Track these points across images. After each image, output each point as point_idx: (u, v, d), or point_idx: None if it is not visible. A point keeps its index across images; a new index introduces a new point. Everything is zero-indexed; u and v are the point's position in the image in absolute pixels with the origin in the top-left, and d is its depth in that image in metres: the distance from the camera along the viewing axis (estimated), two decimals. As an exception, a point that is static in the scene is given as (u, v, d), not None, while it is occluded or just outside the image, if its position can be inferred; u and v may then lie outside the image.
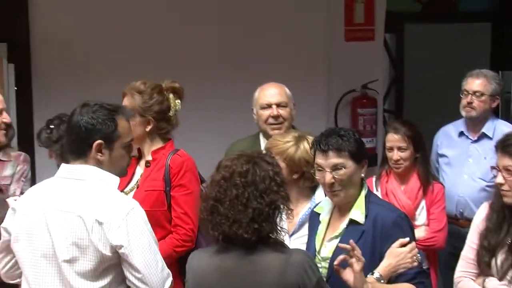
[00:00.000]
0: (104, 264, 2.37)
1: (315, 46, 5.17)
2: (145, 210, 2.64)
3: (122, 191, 3.15)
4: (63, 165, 2.50)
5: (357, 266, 2.41)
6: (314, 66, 5.17)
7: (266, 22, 5.08)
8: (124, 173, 2.59)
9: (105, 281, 2.40)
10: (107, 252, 2.35)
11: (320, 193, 3.06)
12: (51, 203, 2.43)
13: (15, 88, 4.53)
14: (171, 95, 3.29)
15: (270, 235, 2.31)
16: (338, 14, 5.26)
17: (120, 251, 2.34)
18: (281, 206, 2.33)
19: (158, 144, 3.28)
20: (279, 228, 2.32)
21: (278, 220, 2.33)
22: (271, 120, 3.59)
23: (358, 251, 2.43)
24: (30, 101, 4.68)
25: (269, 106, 3.60)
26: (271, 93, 3.63)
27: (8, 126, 3.64)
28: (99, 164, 2.45)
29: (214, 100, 4.94)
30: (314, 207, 2.91)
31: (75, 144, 2.46)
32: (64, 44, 4.81)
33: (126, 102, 3.24)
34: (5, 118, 3.55)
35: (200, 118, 4.73)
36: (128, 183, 3.24)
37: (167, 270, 2.43)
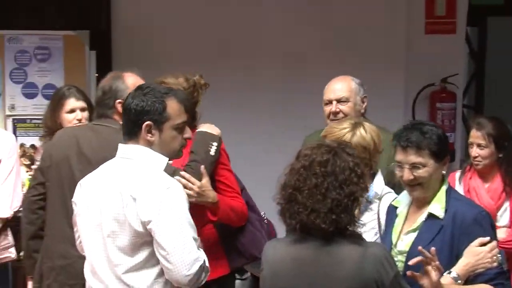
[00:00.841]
0: (139, 240, 2.45)
1: (394, 38, 5.12)
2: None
3: None
4: (120, 145, 2.61)
5: (435, 276, 2.37)
6: (393, 59, 5.11)
7: (347, 14, 5.05)
8: (177, 154, 2.66)
9: (140, 257, 2.47)
10: (139, 228, 2.42)
11: (378, 180, 3.03)
12: (104, 179, 2.57)
13: (96, 74, 4.62)
14: (200, 91, 3.34)
15: (348, 227, 2.29)
16: (419, 6, 5.17)
17: (148, 226, 2.41)
18: (360, 198, 2.30)
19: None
20: (356, 220, 2.30)
21: (356, 212, 2.30)
22: (332, 116, 3.58)
23: (437, 262, 2.38)
24: None
25: (330, 102, 3.60)
26: (332, 89, 3.62)
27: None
28: (149, 144, 2.53)
29: (296, 95, 4.96)
30: (374, 195, 2.91)
31: (127, 125, 2.56)
32: (144, 32, 4.92)
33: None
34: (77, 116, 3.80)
35: (284, 113, 4.82)
36: None
37: (196, 255, 2.43)
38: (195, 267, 2.41)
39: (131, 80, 3.08)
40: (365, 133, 2.93)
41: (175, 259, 2.39)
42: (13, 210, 4.00)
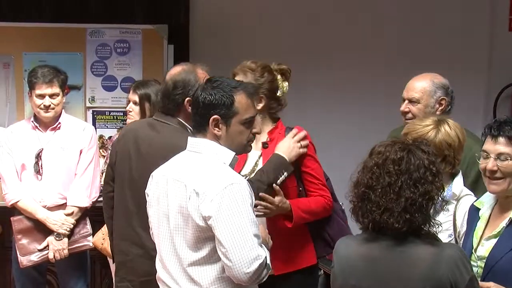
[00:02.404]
0: (202, 234, 2.45)
1: (477, 35, 5.02)
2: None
3: (239, 173, 3.23)
4: (189, 138, 2.63)
5: None
6: (475, 56, 5.01)
7: (430, 11, 4.99)
8: (245, 149, 2.66)
9: (204, 252, 2.48)
10: (201, 222, 2.43)
11: (458, 181, 2.97)
12: (172, 172, 2.58)
13: (174, 68, 4.69)
14: (279, 76, 3.34)
15: (423, 226, 2.26)
16: (503, 1, 5.04)
17: (209, 222, 2.40)
18: (436, 198, 2.27)
19: (270, 124, 3.35)
20: (432, 220, 2.27)
21: (432, 211, 2.27)
22: (403, 115, 3.55)
23: None
24: None
25: (403, 100, 3.55)
26: (407, 87, 3.57)
27: None
28: (216, 138, 2.55)
29: (379, 94, 4.95)
30: (451, 196, 2.85)
31: (196, 118, 2.59)
32: (222, 26, 4.96)
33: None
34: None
35: (371, 110, 4.86)
36: (244, 165, 3.30)
37: (256, 252, 2.40)
38: (255, 265, 2.39)
39: (202, 78, 3.02)
40: (449, 130, 2.88)
41: (235, 256, 2.37)
42: (91, 200, 4.14)
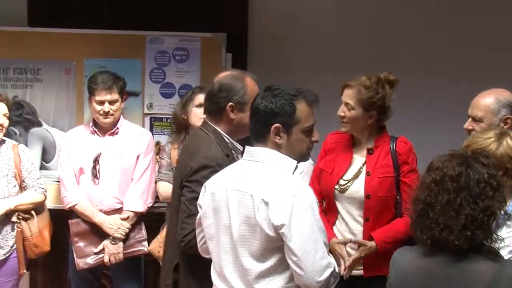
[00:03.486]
0: (270, 245, 2.41)
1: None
2: (380, 196, 3.09)
3: (341, 177, 3.41)
4: (246, 147, 2.61)
5: None
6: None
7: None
8: (304, 158, 2.64)
9: (271, 262, 2.44)
10: (271, 232, 2.39)
11: None
12: (231, 182, 2.54)
13: (231, 77, 4.71)
14: (387, 87, 3.40)
15: (484, 242, 2.21)
16: None
17: (280, 231, 2.36)
18: (497, 212, 2.22)
19: (376, 132, 3.46)
20: (494, 235, 2.22)
21: (493, 226, 2.22)
22: (468, 132, 3.46)
23: None
24: None
25: (468, 117, 3.47)
26: (472, 104, 3.47)
27: None
28: (277, 147, 2.51)
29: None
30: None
31: (256, 127, 2.56)
32: (280, 35, 4.95)
33: (349, 93, 3.41)
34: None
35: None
36: (347, 170, 3.44)
37: (327, 260, 2.40)
38: (327, 273, 2.38)
39: (250, 86, 3.01)
40: None
41: (307, 265, 2.35)
42: (147, 205, 4.19)
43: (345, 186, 3.45)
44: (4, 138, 4.11)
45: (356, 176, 3.43)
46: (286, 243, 2.37)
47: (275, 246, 2.42)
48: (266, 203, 2.39)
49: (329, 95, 4.61)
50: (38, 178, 4.11)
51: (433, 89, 4.93)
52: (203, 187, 2.69)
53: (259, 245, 2.43)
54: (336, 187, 3.45)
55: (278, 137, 2.50)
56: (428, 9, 4.97)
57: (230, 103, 2.95)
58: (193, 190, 2.82)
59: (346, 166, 3.46)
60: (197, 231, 2.79)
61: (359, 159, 3.48)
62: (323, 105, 4.75)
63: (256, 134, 2.56)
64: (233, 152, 3.00)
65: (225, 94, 2.98)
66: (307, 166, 3.85)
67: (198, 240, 2.79)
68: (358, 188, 3.42)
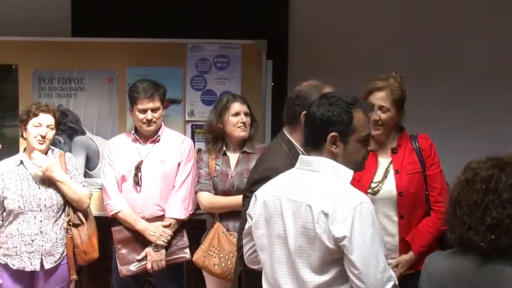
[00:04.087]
0: (329, 257, 2.36)
1: None
2: (412, 192, 3.14)
3: (372, 180, 3.43)
4: (301, 156, 2.57)
5: None
6: None
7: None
8: (360, 167, 2.58)
9: (330, 275, 2.38)
10: (331, 244, 2.33)
11: None
12: (286, 192, 2.49)
13: (272, 83, 4.71)
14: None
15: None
16: None
17: (341, 243, 2.31)
18: None
19: (398, 131, 3.54)
20: None
21: None
22: None
23: None
24: (285, 97, 4.75)
25: None
26: None
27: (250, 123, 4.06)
28: (333, 156, 2.47)
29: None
30: None
31: (311, 135, 2.51)
32: (321, 42, 4.93)
33: (381, 96, 3.44)
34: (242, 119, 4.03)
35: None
36: (375, 172, 3.48)
37: (389, 273, 2.34)
38: (389, 286, 2.33)
39: None
40: None
41: (368, 278, 2.30)
42: (188, 212, 4.20)
43: (377, 188, 3.47)
44: (52, 148, 4.19)
45: (385, 176, 3.47)
46: (347, 255, 2.32)
47: (334, 258, 2.37)
48: (326, 215, 2.34)
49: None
50: (81, 182, 4.15)
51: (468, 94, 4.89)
52: (253, 196, 2.65)
53: (318, 257, 2.38)
54: (369, 191, 3.45)
55: (334, 146, 2.46)
56: (467, 9, 4.92)
57: (304, 112, 2.90)
58: None
59: (373, 170, 3.47)
60: (244, 241, 2.78)
61: (383, 160, 3.51)
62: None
63: (311, 143, 2.51)
64: None
65: (300, 102, 3.00)
66: None
67: (245, 250, 2.78)
68: (389, 188, 3.46)
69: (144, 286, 4.51)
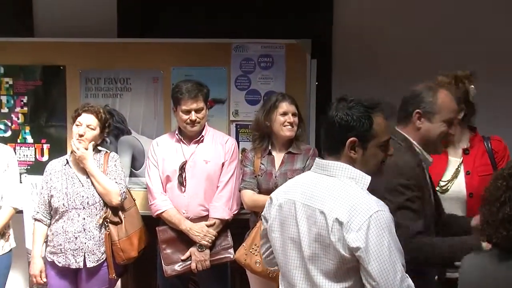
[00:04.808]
0: (345, 265, 2.32)
1: None
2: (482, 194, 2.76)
3: (441, 179, 3.46)
4: (317, 159, 2.52)
5: None
6: None
7: None
8: (379, 172, 2.52)
9: (346, 283, 2.34)
10: (346, 253, 2.29)
11: None
12: (300, 196, 2.46)
13: (316, 83, 4.70)
14: (466, 82, 3.44)
15: None
16: None
17: (357, 254, 2.27)
18: None
19: (468, 133, 3.54)
20: None
21: None
22: None
23: None
24: (329, 96, 4.79)
25: None
26: None
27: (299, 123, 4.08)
28: (351, 161, 2.41)
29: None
30: None
31: (329, 139, 2.46)
32: (365, 42, 4.90)
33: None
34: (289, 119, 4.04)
35: None
36: (445, 172, 3.49)
37: (407, 283, 2.29)
38: None
39: (441, 98, 3.00)
40: None
41: None
42: (233, 212, 4.22)
43: (446, 187, 3.47)
44: (100, 148, 4.29)
45: (455, 176, 3.47)
46: (364, 266, 2.28)
47: (350, 266, 2.32)
48: (341, 223, 2.29)
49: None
50: (115, 179, 4.19)
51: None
52: (269, 198, 2.64)
53: (333, 264, 2.34)
54: (437, 189, 3.44)
55: (353, 152, 2.41)
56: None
57: (417, 110, 2.95)
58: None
59: (443, 168, 3.48)
60: (261, 242, 2.77)
61: (454, 159, 3.51)
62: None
63: (329, 147, 2.47)
64: (423, 163, 2.99)
65: (414, 101, 2.99)
66: None
67: (262, 251, 2.77)
68: (459, 188, 3.46)
69: (189, 285, 4.54)
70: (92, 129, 4.12)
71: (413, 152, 2.95)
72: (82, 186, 4.10)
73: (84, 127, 4.09)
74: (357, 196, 2.34)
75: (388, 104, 2.59)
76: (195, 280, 4.52)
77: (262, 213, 2.68)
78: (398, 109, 3.05)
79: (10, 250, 4.26)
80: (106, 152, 4.29)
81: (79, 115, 4.12)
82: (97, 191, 4.10)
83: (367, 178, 2.42)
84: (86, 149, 4.11)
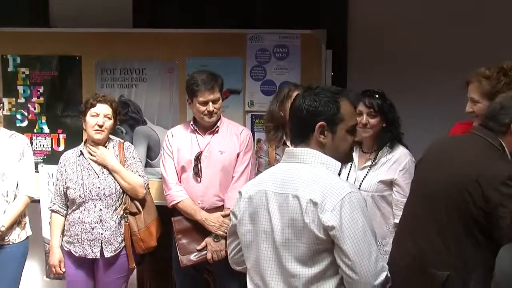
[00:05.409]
0: (319, 247, 2.35)
1: None
2: None
3: None
4: (287, 149, 2.57)
5: None
6: None
7: None
8: (348, 158, 2.57)
9: (319, 267, 2.37)
10: (320, 234, 2.32)
11: None
12: (272, 185, 2.48)
13: (331, 73, 4.70)
14: (511, 74, 3.34)
15: None
16: None
17: (331, 233, 2.30)
18: None
19: None
20: None
21: None
22: None
23: None
24: (344, 87, 4.71)
25: None
26: None
27: None
28: (321, 147, 2.46)
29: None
30: None
31: (298, 127, 2.51)
32: (381, 33, 4.88)
33: (472, 88, 3.39)
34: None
35: None
36: None
37: (382, 264, 2.34)
38: (382, 276, 2.32)
39: None
40: None
41: (362, 268, 2.29)
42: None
43: None
44: (112, 137, 4.31)
45: None
46: (339, 245, 2.31)
47: (324, 248, 2.35)
48: (315, 204, 2.34)
49: (438, 95, 4.53)
50: (137, 171, 4.24)
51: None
52: (238, 193, 2.64)
53: (306, 248, 2.36)
54: None
55: (322, 136, 2.45)
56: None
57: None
58: None
59: None
60: (228, 241, 2.76)
61: None
62: (431, 105, 4.65)
63: (298, 135, 2.51)
64: None
65: (506, 112, 2.95)
66: (409, 163, 3.81)
67: (229, 250, 2.76)
68: None
69: (204, 275, 4.57)
70: (109, 118, 4.17)
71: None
72: (98, 177, 4.14)
73: (102, 117, 4.13)
74: (329, 179, 2.39)
75: (355, 93, 2.59)
76: (210, 270, 4.55)
77: (231, 209, 2.68)
78: (493, 121, 2.99)
79: (27, 238, 4.32)
80: (119, 141, 4.33)
81: (93, 105, 4.14)
82: (120, 186, 4.15)
83: (338, 164, 2.46)
84: (105, 142, 4.15)
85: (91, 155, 4.17)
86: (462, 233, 2.80)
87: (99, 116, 4.13)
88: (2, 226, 4.10)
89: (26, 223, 4.33)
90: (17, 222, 4.24)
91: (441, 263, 2.83)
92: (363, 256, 2.29)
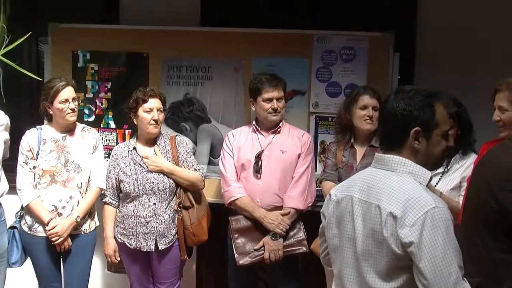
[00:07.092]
0: (397, 263, 2.28)
1: None
2: None
3: None
4: (376, 154, 2.49)
5: None
6: None
7: None
8: (440, 164, 2.50)
9: (397, 282, 2.31)
10: (398, 250, 2.26)
11: None
12: (358, 192, 2.45)
13: (398, 77, 4.68)
14: None
15: None
16: None
17: (409, 249, 2.23)
18: None
19: None
20: None
21: None
22: None
23: None
24: None
25: None
26: None
27: None
28: (414, 153, 2.37)
29: None
30: None
31: (390, 132, 2.42)
32: (452, 37, 4.82)
33: (500, 97, 3.38)
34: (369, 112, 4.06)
35: None
36: None
37: (462, 286, 2.22)
38: None
39: None
40: None
41: None
42: (307, 204, 4.27)
43: None
44: (162, 132, 4.45)
45: None
46: (416, 263, 2.23)
47: (402, 265, 2.29)
48: (394, 217, 2.27)
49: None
50: (193, 165, 4.35)
51: None
52: (327, 195, 2.64)
53: (385, 262, 2.31)
54: None
55: (417, 142, 2.37)
56: None
57: None
58: None
59: None
60: (319, 241, 2.77)
61: None
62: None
63: (390, 140, 2.43)
64: None
65: None
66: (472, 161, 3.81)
67: (321, 250, 2.78)
68: None
69: (259, 274, 4.59)
70: (161, 111, 4.31)
71: None
72: (151, 172, 4.25)
73: (155, 111, 4.23)
74: (413, 191, 2.31)
75: (448, 94, 2.54)
76: (265, 279, 4.56)
77: (321, 210, 2.68)
78: None
79: (95, 228, 4.50)
80: (171, 135, 4.43)
81: (145, 101, 4.25)
82: (180, 185, 4.26)
83: (427, 174, 2.39)
84: (157, 136, 4.28)
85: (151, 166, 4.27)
86: (487, 237, 2.77)
87: (153, 111, 4.24)
88: (78, 216, 4.26)
89: (95, 214, 4.51)
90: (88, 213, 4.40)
91: (473, 270, 2.73)
92: (441, 277, 2.20)
